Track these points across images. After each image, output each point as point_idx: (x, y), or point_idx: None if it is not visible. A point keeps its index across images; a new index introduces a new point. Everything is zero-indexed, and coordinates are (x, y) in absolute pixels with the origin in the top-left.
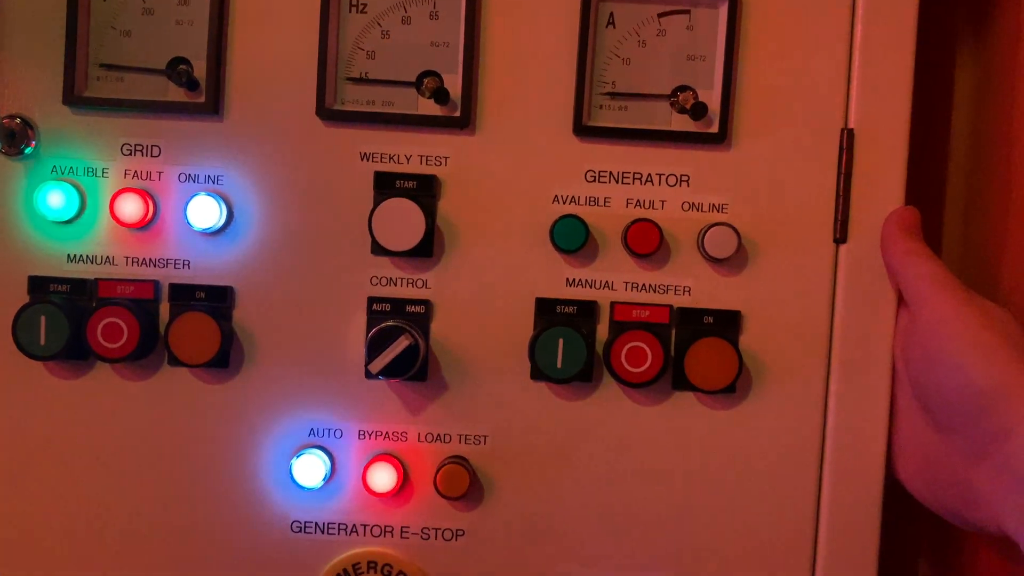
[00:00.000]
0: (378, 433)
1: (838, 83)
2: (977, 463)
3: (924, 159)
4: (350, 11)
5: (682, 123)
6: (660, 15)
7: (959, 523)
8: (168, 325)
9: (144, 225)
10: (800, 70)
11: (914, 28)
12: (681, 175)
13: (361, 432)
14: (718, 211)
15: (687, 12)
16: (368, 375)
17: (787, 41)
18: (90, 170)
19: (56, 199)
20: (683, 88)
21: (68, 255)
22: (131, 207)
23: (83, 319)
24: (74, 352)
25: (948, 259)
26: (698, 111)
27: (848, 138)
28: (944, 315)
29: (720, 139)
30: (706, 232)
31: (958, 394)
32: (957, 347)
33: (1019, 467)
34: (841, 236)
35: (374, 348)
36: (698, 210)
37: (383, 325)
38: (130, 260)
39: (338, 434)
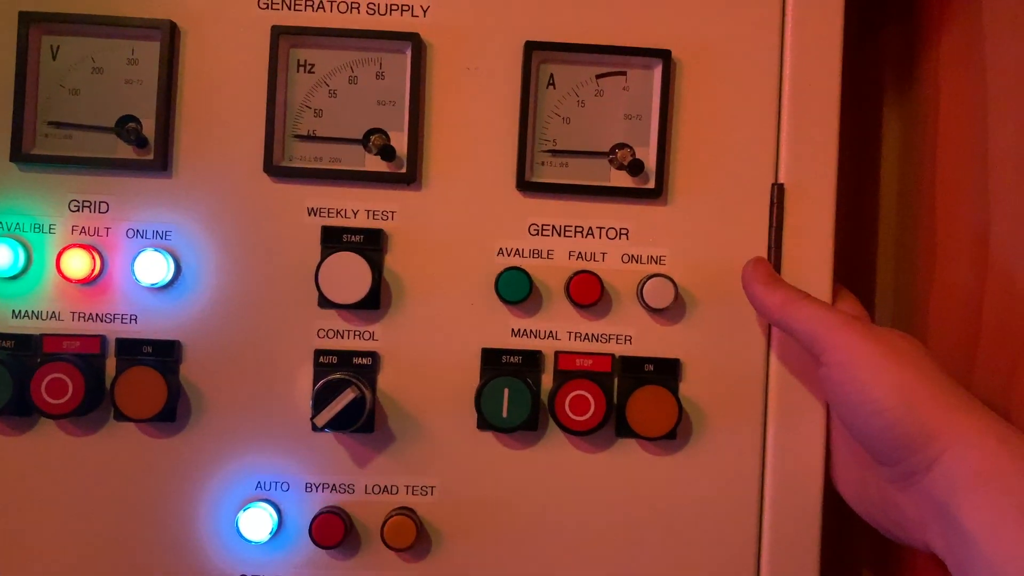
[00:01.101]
0: (325, 486)
1: (768, 140)
2: (904, 490)
3: (858, 206)
4: (298, 71)
5: (620, 179)
6: (598, 76)
7: (895, 539)
8: (114, 380)
9: (91, 280)
10: (731, 127)
11: (839, 88)
12: (620, 229)
13: (308, 485)
14: (656, 263)
15: (623, 73)
16: (315, 428)
17: (718, 100)
18: (37, 226)
19: (2, 255)
20: (621, 146)
21: (13, 311)
22: (78, 263)
23: (27, 375)
24: (18, 408)
25: (882, 298)
26: (635, 168)
27: (778, 192)
28: (849, 358)
29: (656, 194)
30: (645, 283)
31: (878, 435)
32: (870, 391)
33: (940, 496)
34: None
35: (320, 401)
36: (637, 262)
37: (329, 378)
38: (76, 315)
39: (285, 487)
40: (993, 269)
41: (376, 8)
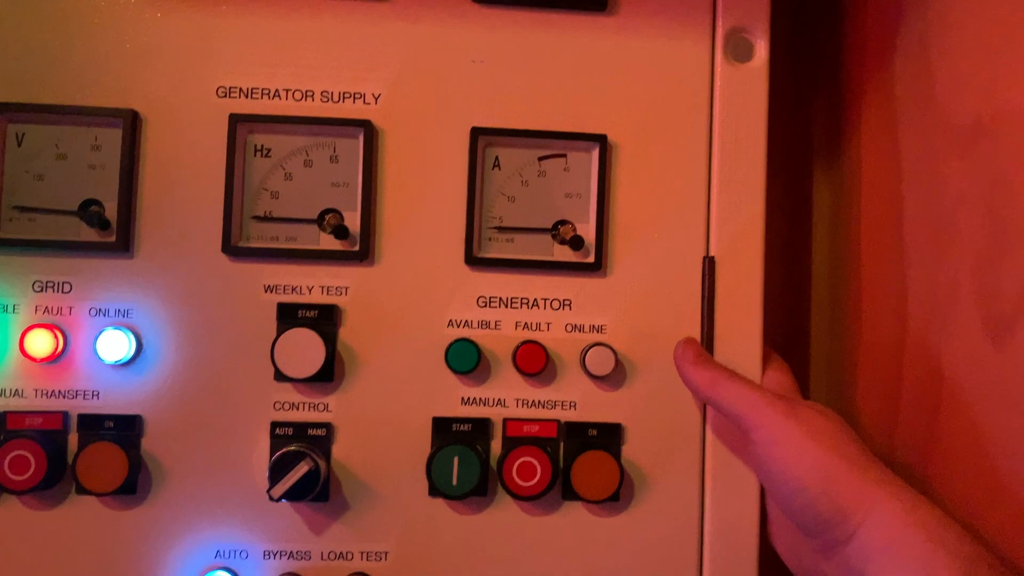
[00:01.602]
0: (282, 553)
1: (699, 215)
2: (828, 559)
3: (794, 269)
4: (255, 155)
5: (563, 253)
6: (540, 158)
7: None
8: (76, 455)
9: (54, 359)
10: (665, 204)
11: (764, 166)
12: (564, 300)
13: (266, 552)
14: (598, 332)
15: (564, 156)
16: (271, 499)
17: (652, 179)
18: (1, 306)
19: None
20: (562, 222)
21: None
22: (41, 342)
23: None
24: None
25: (816, 359)
26: (576, 243)
27: (709, 265)
28: (773, 437)
29: (596, 267)
30: (587, 352)
31: (801, 511)
32: (792, 470)
33: (858, 566)
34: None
35: (276, 473)
36: (580, 331)
37: (284, 450)
38: (39, 392)
39: (244, 555)
40: (910, 332)
41: (330, 96)
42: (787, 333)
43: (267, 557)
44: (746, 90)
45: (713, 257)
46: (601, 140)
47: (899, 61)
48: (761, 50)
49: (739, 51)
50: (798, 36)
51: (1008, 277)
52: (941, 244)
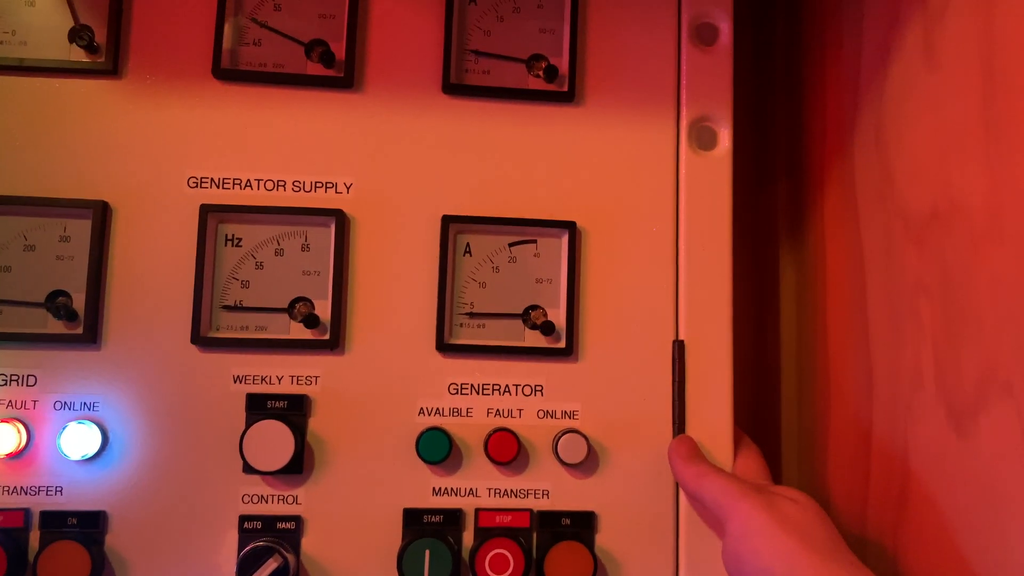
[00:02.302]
0: None
1: (667, 299)
2: None
3: (762, 347)
4: (226, 245)
5: (534, 339)
6: (511, 244)
7: None
8: (37, 554)
9: (17, 454)
10: (634, 288)
11: (730, 250)
12: (535, 385)
13: None
14: (570, 417)
15: (534, 241)
16: None
17: (621, 264)
18: None
19: None
20: (533, 307)
21: None
22: (3, 437)
23: None
24: None
25: (787, 436)
26: (547, 328)
27: (679, 348)
28: (746, 527)
29: (568, 353)
30: (559, 439)
31: None
32: (763, 559)
33: None
34: (679, 434)
35: (244, 570)
36: (552, 417)
37: (252, 546)
38: (1, 489)
39: None
40: (877, 416)
41: (301, 186)
42: (757, 413)
43: None
44: (710, 177)
45: (683, 341)
46: (570, 227)
47: (857, 148)
48: (724, 139)
49: (703, 139)
50: (762, 120)
51: (968, 365)
52: (903, 330)
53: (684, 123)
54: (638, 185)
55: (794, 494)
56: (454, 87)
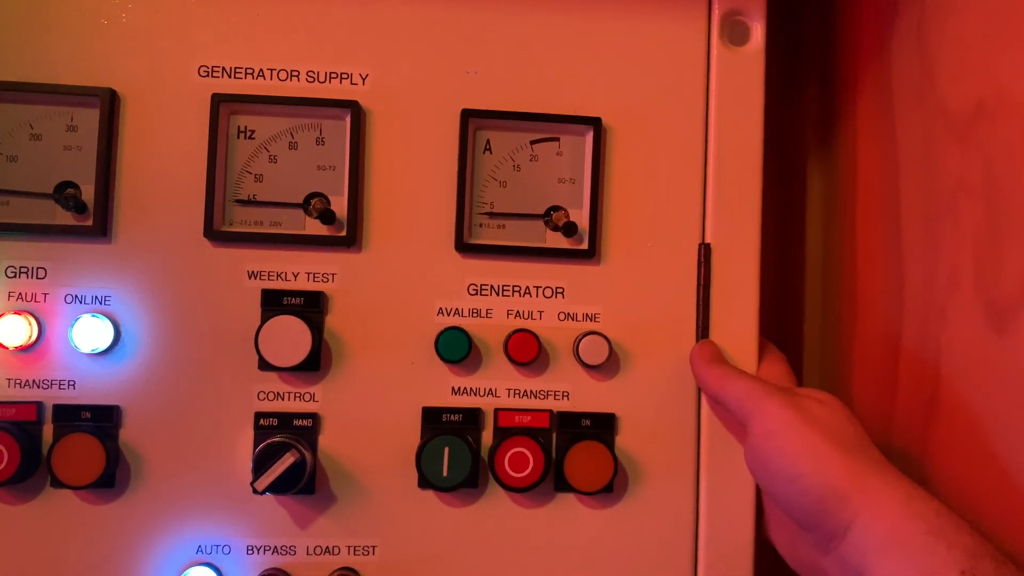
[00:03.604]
0: (266, 548)
1: (694, 202)
2: (826, 554)
3: (786, 258)
4: (238, 137)
5: (556, 240)
6: (532, 142)
7: None
8: (51, 447)
9: (28, 347)
10: (660, 190)
11: (760, 151)
12: (556, 288)
13: (249, 547)
14: (591, 320)
15: (557, 139)
16: (255, 491)
17: (647, 164)
18: None
19: None
20: (555, 208)
21: None
22: (14, 329)
23: None
24: None
25: (810, 349)
26: (569, 229)
27: (705, 252)
28: (771, 426)
29: (590, 255)
30: (580, 341)
31: (797, 500)
32: (788, 457)
33: (856, 560)
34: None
35: (260, 465)
36: (573, 319)
37: (268, 441)
38: (12, 382)
39: (226, 550)
40: (907, 321)
41: (316, 76)
42: (779, 324)
43: (250, 552)
44: (742, 74)
45: (709, 244)
46: (596, 123)
47: (896, 48)
48: (757, 33)
49: (735, 34)
50: (790, 23)
51: (1010, 263)
52: (940, 232)
53: (716, 16)
54: (667, 81)
55: (820, 395)
56: None
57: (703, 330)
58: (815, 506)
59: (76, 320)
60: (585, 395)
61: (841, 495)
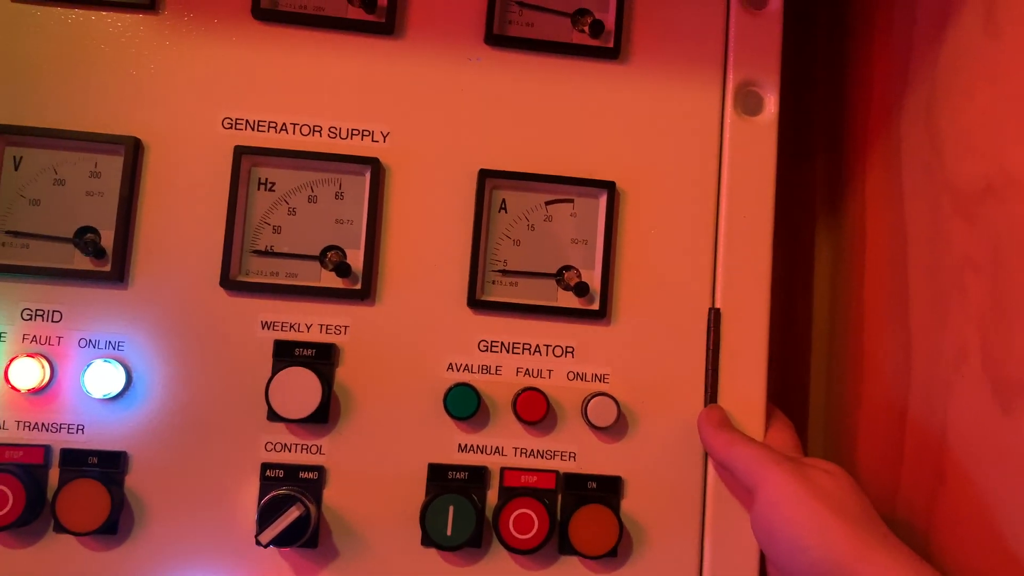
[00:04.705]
0: None
1: (705, 266)
2: None
3: (792, 323)
4: (259, 188)
5: (567, 299)
6: (547, 203)
7: None
8: (56, 492)
9: (40, 390)
10: (672, 254)
11: (771, 219)
12: (566, 347)
13: None
14: (600, 381)
15: (571, 201)
16: (259, 544)
17: (660, 228)
18: None
19: None
20: (568, 268)
21: None
22: (27, 372)
23: None
24: None
25: (815, 415)
26: (581, 289)
27: (715, 316)
28: (777, 496)
29: (601, 315)
30: (589, 402)
31: (803, 572)
32: (795, 528)
33: None
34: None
35: (265, 518)
36: (582, 379)
37: (274, 494)
38: (22, 424)
39: None
40: (913, 395)
41: (338, 132)
42: (784, 390)
43: None
44: (755, 143)
45: (719, 309)
46: (610, 187)
47: (905, 123)
48: (771, 105)
49: (749, 104)
50: (802, 92)
51: (1018, 342)
52: (948, 305)
53: (730, 87)
54: (680, 148)
55: (827, 465)
56: (497, 38)
57: (711, 394)
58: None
59: (89, 365)
60: (592, 456)
61: (847, 569)
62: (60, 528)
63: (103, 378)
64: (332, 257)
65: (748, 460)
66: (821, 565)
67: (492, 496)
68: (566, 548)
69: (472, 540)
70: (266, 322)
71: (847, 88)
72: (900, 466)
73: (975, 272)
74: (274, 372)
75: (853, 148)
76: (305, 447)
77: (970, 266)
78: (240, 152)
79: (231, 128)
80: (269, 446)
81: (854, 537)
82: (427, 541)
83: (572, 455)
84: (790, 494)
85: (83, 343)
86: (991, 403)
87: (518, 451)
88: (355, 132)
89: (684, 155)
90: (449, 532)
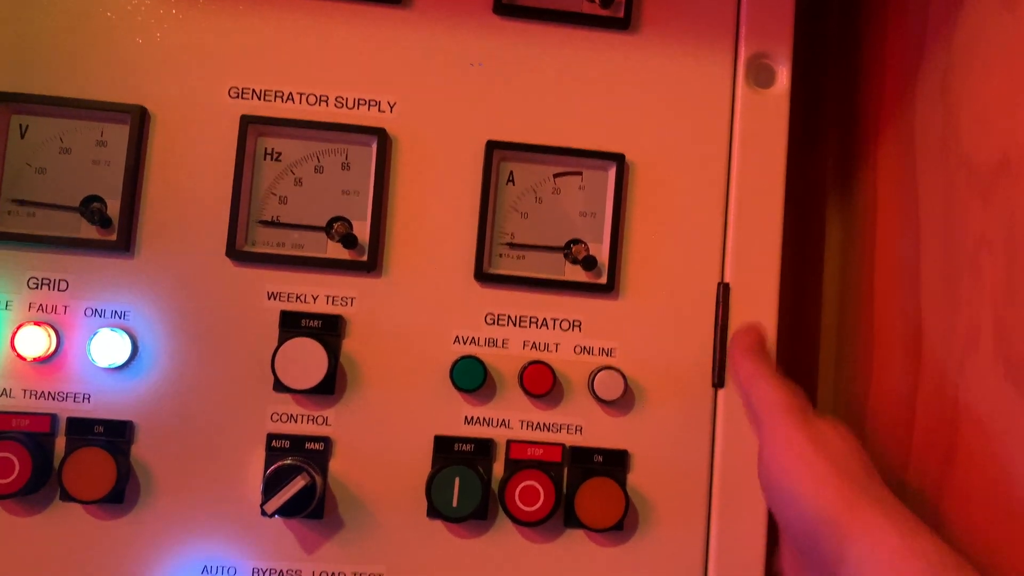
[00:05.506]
0: (272, 571)
1: (715, 241)
2: None
3: (800, 305)
4: (265, 159)
5: (575, 273)
6: (556, 175)
7: None
8: (63, 460)
9: (46, 359)
10: (681, 228)
11: (782, 193)
12: (574, 321)
13: (255, 570)
14: (607, 355)
15: (580, 173)
16: (264, 513)
17: (669, 202)
18: None
19: None
20: (576, 241)
21: None
22: (33, 340)
23: None
24: None
25: (822, 397)
26: (589, 263)
27: (724, 291)
28: (780, 443)
29: (608, 289)
30: (596, 375)
31: (796, 522)
32: (790, 476)
33: None
34: (719, 381)
35: (270, 487)
36: (589, 353)
37: (280, 464)
38: (28, 393)
39: (232, 572)
40: (924, 374)
41: (344, 102)
42: (791, 371)
43: (256, 575)
44: (767, 116)
45: (728, 284)
46: (619, 159)
47: (919, 99)
48: (783, 77)
49: (761, 77)
50: (813, 70)
51: None
52: (960, 285)
53: (742, 58)
54: (691, 120)
55: (837, 424)
56: (505, 7)
57: (720, 369)
58: (812, 529)
59: (95, 334)
60: (598, 430)
61: (835, 523)
62: (66, 496)
63: (109, 347)
64: (338, 228)
65: (763, 401)
66: (810, 515)
67: (498, 468)
68: (572, 521)
69: (478, 512)
70: (272, 292)
71: (860, 65)
72: (909, 445)
73: (989, 251)
74: (280, 343)
75: (865, 126)
76: (311, 418)
77: (985, 245)
78: (246, 121)
79: (237, 97)
80: (275, 416)
81: (848, 492)
82: (433, 512)
83: (579, 428)
84: (794, 443)
85: (89, 312)
86: (1004, 382)
87: (524, 424)
88: (362, 102)
89: (695, 127)
90: (455, 504)
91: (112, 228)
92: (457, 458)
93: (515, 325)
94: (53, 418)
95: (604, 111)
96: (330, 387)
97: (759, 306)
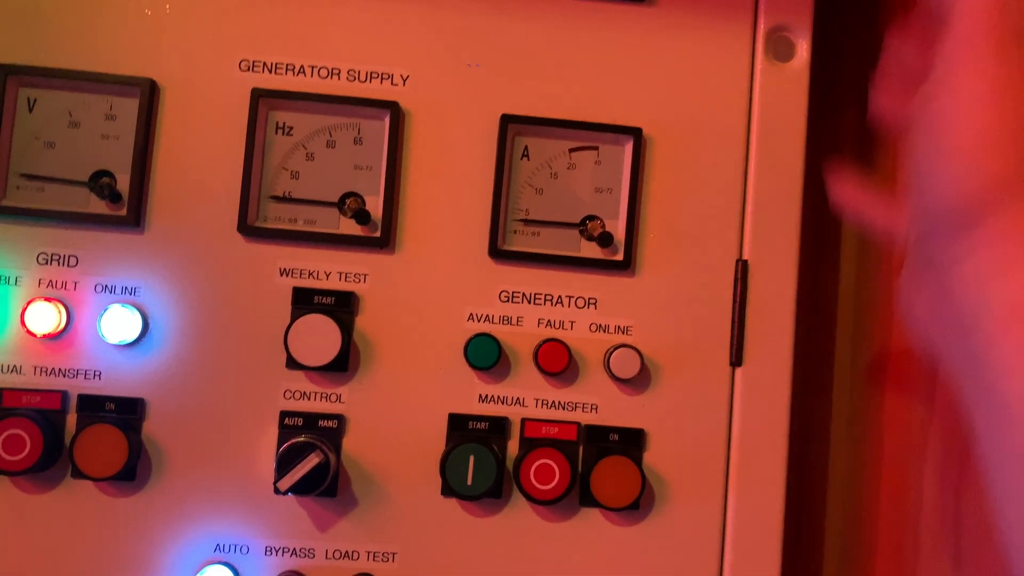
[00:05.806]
0: (285, 549)
1: (733, 217)
2: (946, 271)
3: (817, 282)
4: (276, 133)
5: (590, 250)
6: (571, 150)
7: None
8: (74, 437)
9: (56, 335)
10: (699, 204)
11: (802, 168)
12: (589, 298)
13: (268, 548)
14: (623, 333)
15: (596, 148)
16: (277, 491)
17: (687, 177)
18: (3, 278)
19: None
20: (591, 217)
21: None
22: (43, 316)
23: None
24: None
25: (839, 377)
26: (605, 240)
27: (742, 269)
28: (968, 72)
29: (625, 266)
30: (612, 353)
31: (943, 188)
32: (973, 123)
33: (985, 270)
34: (737, 360)
35: (283, 465)
36: (604, 331)
37: (293, 441)
38: (38, 370)
39: (244, 550)
40: None
41: (356, 75)
42: (808, 349)
43: (269, 553)
44: (786, 90)
45: (747, 260)
46: (636, 133)
47: None
48: (803, 50)
49: (780, 50)
50: (830, 44)
51: None
52: None
53: (761, 31)
54: (709, 94)
55: None
56: None
57: (737, 348)
58: (960, 194)
59: (105, 310)
60: (614, 408)
61: (995, 176)
62: (78, 473)
63: (120, 323)
64: (351, 204)
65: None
66: (968, 176)
67: (513, 447)
68: (587, 500)
69: (492, 490)
70: (284, 269)
71: (880, 42)
72: (931, 416)
73: None
74: (293, 319)
75: None
76: (324, 395)
77: None
78: (257, 95)
79: (248, 71)
80: (288, 394)
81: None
82: (447, 491)
83: (594, 407)
84: (986, 76)
85: (99, 288)
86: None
87: (539, 402)
88: (374, 75)
89: (713, 102)
90: (469, 482)
91: (122, 203)
92: (472, 436)
93: (530, 302)
94: (64, 395)
95: (621, 85)
96: (343, 364)
97: (778, 283)
